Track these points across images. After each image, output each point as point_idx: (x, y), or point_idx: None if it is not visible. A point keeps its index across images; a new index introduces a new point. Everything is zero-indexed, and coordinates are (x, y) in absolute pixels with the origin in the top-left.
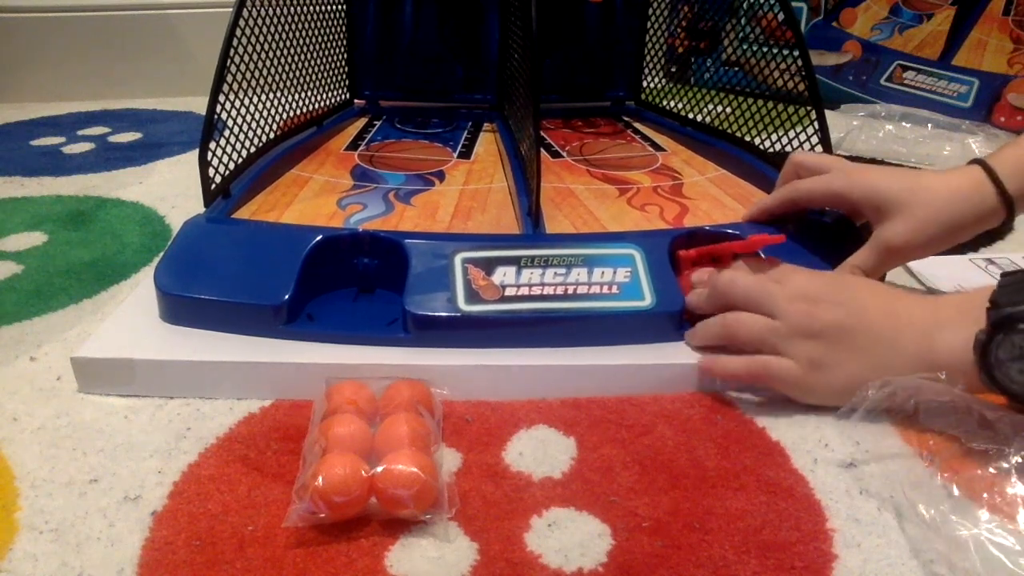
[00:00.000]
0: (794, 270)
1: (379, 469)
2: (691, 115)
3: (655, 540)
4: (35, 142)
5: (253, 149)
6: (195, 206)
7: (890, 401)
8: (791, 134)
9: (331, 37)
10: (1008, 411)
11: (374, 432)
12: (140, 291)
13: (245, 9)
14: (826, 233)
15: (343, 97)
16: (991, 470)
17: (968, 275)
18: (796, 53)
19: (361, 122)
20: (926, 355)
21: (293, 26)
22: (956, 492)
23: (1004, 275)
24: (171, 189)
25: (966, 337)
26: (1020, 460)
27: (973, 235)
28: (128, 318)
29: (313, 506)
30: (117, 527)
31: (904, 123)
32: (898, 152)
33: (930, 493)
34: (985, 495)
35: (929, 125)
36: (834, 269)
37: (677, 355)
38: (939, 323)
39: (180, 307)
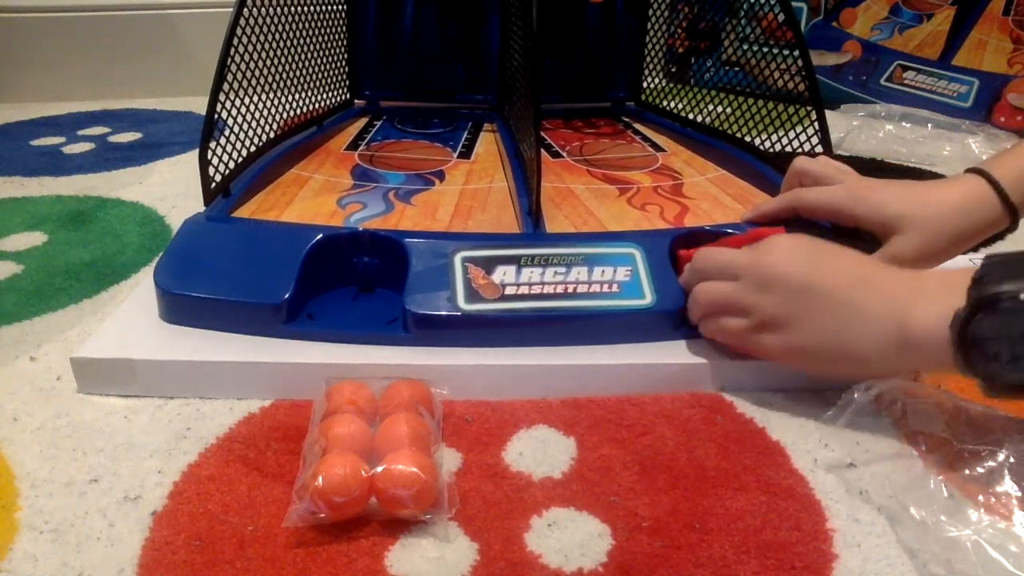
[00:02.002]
0: (774, 238)
1: (379, 469)
2: (691, 115)
3: (655, 540)
4: (35, 142)
5: (253, 148)
6: (195, 206)
7: (876, 404)
8: (791, 134)
9: (331, 37)
10: (996, 411)
11: (374, 432)
12: (140, 291)
13: (245, 9)
14: (824, 234)
15: (343, 97)
16: (985, 471)
17: None
18: (796, 53)
19: (361, 122)
20: (897, 327)
21: (293, 26)
22: (953, 493)
23: (990, 255)
24: (171, 189)
25: (945, 311)
26: (1013, 461)
27: (977, 242)
28: (128, 318)
29: (313, 506)
30: (117, 527)
31: (904, 123)
32: (898, 152)
33: (928, 494)
34: (980, 496)
35: (929, 125)
36: None
37: (677, 355)
38: (917, 294)
39: (180, 306)
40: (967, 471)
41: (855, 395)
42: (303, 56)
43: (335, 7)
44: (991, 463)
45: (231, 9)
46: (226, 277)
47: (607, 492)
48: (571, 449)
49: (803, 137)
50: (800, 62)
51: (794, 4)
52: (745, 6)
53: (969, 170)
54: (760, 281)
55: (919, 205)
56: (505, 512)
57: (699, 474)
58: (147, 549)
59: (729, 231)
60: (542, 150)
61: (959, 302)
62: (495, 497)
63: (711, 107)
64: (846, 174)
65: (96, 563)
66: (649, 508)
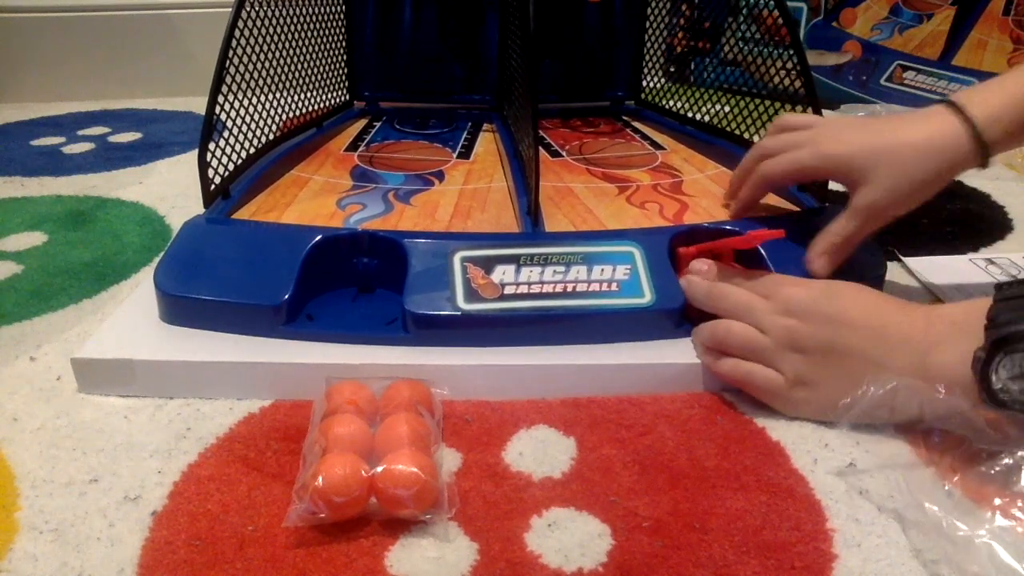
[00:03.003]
0: (783, 281)
1: (379, 469)
2: (691, 115)
3: (655, 540)
4: (35, 142)
5: (253, 150)
6: (195, 206)
7: (892, 398)
8: None
9: (331, 38)
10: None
11: (374, 432)
12: (140, 291)
13: (245, 9)
14: (824, 221)
15: (343, 98)
16: (997, 471)
17: (968, 275)
18: (792, 52)
19: (361, 123)
20: (919, 373)
21: (293, 27)
22: (960, 494)
23: (999, 288)
24: (171, 189)
25: (962, 353)
26: None
27: (949, 182)
28: (128, 318)
29: (313, 506)
30: (117, 527)
31: None
32: None
33: (933, 494)
34: (994, 498)
35: None
36: (814, 237)
37: (677, 354)
38: (932, 340)
39: (180, 307)
40: (980, 472)
41: (871, 388)
42: (302, 57)
43: (334, 8)
44: (1006, 464)
45: (231, 9)
46: (226, 279)
47: (607, 492)
48: (571, 449)
49: None
50: (795, 60)
51: (794, 4)
52: (745, 6)
53: (945, 102)
54: (794, 346)
55: (887, 153)
56: (505, 512)
57: (699, 474)
58: (147, 549)
59: (728, 228)
60: (541, 149)
61: (975, 343)
62: (495, 497)
63: (710, 107)
64: (815, 123)
65: (96, 563)
66: (649, 508)
